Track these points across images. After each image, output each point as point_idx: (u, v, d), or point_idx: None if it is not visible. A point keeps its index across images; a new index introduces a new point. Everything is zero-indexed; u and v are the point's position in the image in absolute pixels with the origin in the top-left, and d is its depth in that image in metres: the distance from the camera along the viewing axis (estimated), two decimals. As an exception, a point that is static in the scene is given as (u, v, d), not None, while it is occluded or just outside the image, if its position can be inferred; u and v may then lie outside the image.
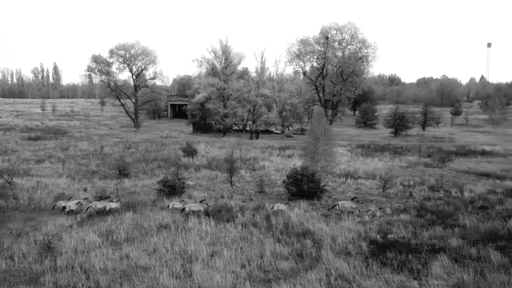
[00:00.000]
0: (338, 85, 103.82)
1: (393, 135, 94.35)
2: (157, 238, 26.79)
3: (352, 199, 34.78)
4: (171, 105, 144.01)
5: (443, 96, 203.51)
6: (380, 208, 33.55)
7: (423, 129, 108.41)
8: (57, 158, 58.64)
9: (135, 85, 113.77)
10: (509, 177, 44.25)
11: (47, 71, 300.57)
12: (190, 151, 59.31)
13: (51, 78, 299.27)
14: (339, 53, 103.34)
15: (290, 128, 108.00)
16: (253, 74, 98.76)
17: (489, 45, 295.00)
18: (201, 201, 33.37)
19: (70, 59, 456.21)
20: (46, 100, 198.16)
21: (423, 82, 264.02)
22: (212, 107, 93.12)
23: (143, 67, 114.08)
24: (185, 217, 31.24)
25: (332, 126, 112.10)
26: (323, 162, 43.00)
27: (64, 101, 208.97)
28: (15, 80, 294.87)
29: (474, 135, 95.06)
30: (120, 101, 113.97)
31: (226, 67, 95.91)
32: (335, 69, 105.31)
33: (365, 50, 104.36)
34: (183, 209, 32.45)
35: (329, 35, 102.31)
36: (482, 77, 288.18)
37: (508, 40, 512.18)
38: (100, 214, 32.99)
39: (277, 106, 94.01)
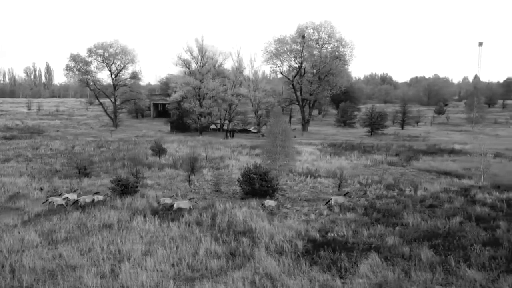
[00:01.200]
0: (315, 84, 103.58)
1: (369, 134, 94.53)
2: (96, 237, 26.43)
3: (344, 195, 35.76)
4: (154, 104, 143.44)
5: (431, 95, 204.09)
6: (329, 207, 33.39)
7: (402, 127, 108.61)
8: (25, 157, 58.07)
9: (114, 84, 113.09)
10: (468, 176, 44.21)
11: (40, 70, 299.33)
12: (158, 150, 58.96)
13: (43, 78, 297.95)
14: (316, 52, 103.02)
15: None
16: (230, 74, 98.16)
17: (480, 44, 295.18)
18: (189, 199, 33.80)
19: (63, 58, 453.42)
20: (34, 99, 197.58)
21: (415, 81, 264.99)
22: (188, 106, 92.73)
23: (122, 66, 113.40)
24: (173, 213, 31.59)
25: (310, 125, 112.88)
26: (281, 161, 42.76)
27: (53, 101, 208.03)
28: (7, 80, 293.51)
29: (450, 134, 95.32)
30: (99, 100, 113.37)
31: (202, 66, 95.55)
32: (312, 68, 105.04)
33: (342, 49, 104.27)
34: (172, 205, 32.61)
35: (305, 34, 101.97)
36: (475, 76, 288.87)
37: (501, 39, 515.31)
38: (87, 206, 33.60)
39: (252, 106, 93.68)
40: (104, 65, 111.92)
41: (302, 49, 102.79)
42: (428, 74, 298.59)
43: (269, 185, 36.51)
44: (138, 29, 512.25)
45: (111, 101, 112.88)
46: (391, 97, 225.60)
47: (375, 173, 47.20)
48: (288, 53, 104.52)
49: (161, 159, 56.39)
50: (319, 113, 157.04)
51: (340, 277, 20.91)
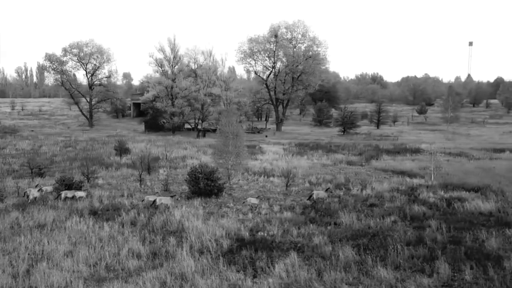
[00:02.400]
0: (288, 83, 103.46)
1: (342, 133, 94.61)
2: (25, 237, 26.04)
3: (326, 190, 35.84)
4: (134, 104, 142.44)
5: (416, 95, 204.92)
6: (270, 205, 33.25)
7: (377, 127, 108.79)
8: (-13, 158, 57.58)
9: (89, 84, 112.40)
10: (420, 175, 44.17)
11: (31, 70, 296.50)
12: (120, 150, 58.65)
13: (34, 78, 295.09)
14: (290, 52, 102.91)
15: (243, 126, 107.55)
16: (202, 73, 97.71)
17: (470, 43, 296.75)
18: (171, 196, 34.38)
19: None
20: (18, 99, 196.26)
21: (405, 81, 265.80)
22: (160, 105, 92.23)
23: (97, 65, 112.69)
24: (154, 209, 31.94)
25: (287, 125, 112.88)
26: (233, 161, 42.48)
27: (41, 100, 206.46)
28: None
29: (423, 133, 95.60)
30: (74, 100, 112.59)
31: (175, 66, 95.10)
32: (286, 67, 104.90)
33: (316, 48, 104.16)
34: (154, 201, 32.81)
35: (278, 34, 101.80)
36: (468, 75, 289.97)
37: (492, 39, 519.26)
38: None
39: (224, 105, 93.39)
40: (80, 64, 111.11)
41: (275, 48, 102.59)
42: (420, 74, 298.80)
43: (214, 185, 36.22)
44: (126, 29, 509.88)
45: (87, 100, 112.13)
46: (378, 97, 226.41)
47: (330, 173, 47.09)
48: (261, 52, 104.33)
49: (122, 159, 55.96)
50: (300, 113, 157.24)
51: (254, 277, 20.70)
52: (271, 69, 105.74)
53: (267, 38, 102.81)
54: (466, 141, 76.93)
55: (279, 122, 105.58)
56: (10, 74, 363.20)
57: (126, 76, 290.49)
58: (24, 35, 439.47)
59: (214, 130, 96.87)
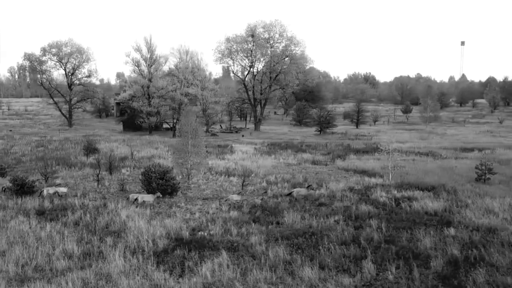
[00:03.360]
0: (265, 83, 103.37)
1: (318, 133, 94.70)
2: (-38, 238, 25.76)
3: (307, 187, 36.46)
4: (117, 103, 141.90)
5: (404, 94, 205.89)
6: (220, 204, 33.14)
7: (356, 126, 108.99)
8: (-44, 157, 57.10)
9: (68, 84, 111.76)
10: (380, 174, 44.13)
11: (24, 70, 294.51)
12: (88, 150, 58.35)
13: (28, 78, 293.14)
14: (267, 51, 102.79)
15: (222, 126, 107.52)
16: (178, 72, 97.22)
17: (462, 43, 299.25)
18: (154, 193, 34.85)
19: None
20: (9, 99, 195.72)
21: (398, 81, 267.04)
22: (137, 105, 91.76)
23: (77, 65, 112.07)
24: (137, 206, 32.46)
25: (267, 124, 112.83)
26: (192, 160, 42.30)
27: (31, 100, 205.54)
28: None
29: (400, 132, 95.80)
30: (53, 100, 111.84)
31: (151, 65, 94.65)
32: (263, 67, 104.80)
33: (293, 48, 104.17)
34: (136, 198, 33.62)
35: (255, 33, 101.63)
36: (463, 75, 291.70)
37: (486, 39, 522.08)
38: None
39: (200, 105, 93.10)
40: (59, 64, 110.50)
41: (253, 48, 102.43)
42: (413, 74, 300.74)
43: (168, 184, 36.01)
44: (120, 29, 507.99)
45: (66, 100, 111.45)
46: (367, 96, 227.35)
47: (291, 172, 46.97)
48: (239, 52, 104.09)
49: (88, 159, 55.58)
50: (284, 113, 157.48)
51: (180, 277, 20.56)
52: (249, 69, 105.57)
53: (244, 38, 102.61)
54: (439, 141, 77.13)
55: (257, 122, 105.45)
56: (4, 74, 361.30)
57: (120, 75, 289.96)
58: (22, 35, 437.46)
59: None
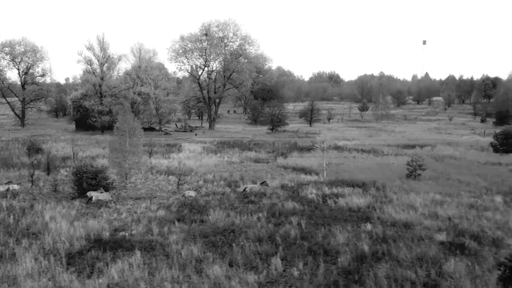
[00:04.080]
0: (218, 82, 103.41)
1: (271, 131, 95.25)
2: None
3: (261, 184, 36.65)
4: (74, 102, 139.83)
5: (363, 93, 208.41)
6: (152, 204, 33.07)
7: (310, 124, 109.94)
8: None
9: (22, 83, 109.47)
10: (316, 172, 44.68)
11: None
12: (29, 150, 57.41)
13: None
14: (222, 50, 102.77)
15: (178, 125, 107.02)
16: (131, 71, 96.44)
17: (424, 42, 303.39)
18: (109, 192, 35.11)
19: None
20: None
21: (361, 79, 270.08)
22: (88, 104, 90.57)
23: (31, 64, 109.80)
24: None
25: (222, 123, 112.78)
26: (130, 160, 41.98)
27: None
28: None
29: (350, 130, 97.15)
30: (6, 99, 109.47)
31: (104, 64, 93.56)
32: (218, 66, 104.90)
33: (248, 47, 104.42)
34: (91, 197, 33.26)
35: (209, 32, 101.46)
36: (426, 74, 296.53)
37: (448, 38, 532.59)
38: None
39: (153, 104, 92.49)
40: (12, 63, 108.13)
41: (207, 47, 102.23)
42: (377, 72, 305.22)
43: (99, 184, 35.66)
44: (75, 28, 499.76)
45: (20, 99, 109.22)
46: (329, 95, 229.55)
47: (232, 170, 47.15)
48: (194, 51, 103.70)
49: (30, 159, 54.56)
50: (243, 111, 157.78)
51: (88, 277, 20.44)
52: (203, 68, 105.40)
53: (198, 37, 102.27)
54: (386, 138, 78.55)
55: (211, 121, 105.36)
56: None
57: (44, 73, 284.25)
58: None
59: (147, 129, 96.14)
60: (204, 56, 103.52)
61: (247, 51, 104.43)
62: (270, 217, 28.95)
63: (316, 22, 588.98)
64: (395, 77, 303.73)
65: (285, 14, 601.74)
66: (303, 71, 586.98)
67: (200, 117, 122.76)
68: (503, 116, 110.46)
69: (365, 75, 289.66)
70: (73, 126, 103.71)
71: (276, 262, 21.17)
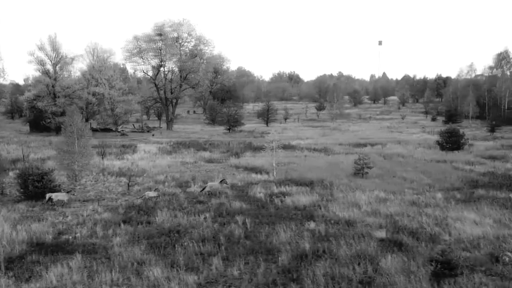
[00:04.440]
0: (174, 82, 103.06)
1: (227, 131, 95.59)
2: None
3: (220, 182, 36.78)
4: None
5: (322, 93, 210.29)
6: (100, 206, 32.89)
7: (267, 124, 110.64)
8: None
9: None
10: (266, 171, 45.14)
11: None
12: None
13: None
14: (177, 50, 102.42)
15: (135, 125, 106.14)
16: (85, 71, 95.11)
17: (380, 43, 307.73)
18: (68, 192, 35.57)
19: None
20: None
21: (320, 79, 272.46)
22: (41, 105, 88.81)
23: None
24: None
25: (181, 123, 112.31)
26: (80, 162, 41.52)
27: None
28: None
29: (305, 129, 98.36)
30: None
31: (56, 64, 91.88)
32: (173, 66, 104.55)
33: (203, 47, 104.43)
34: (50, 198, 33.35)
35: (163, 32, 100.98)
36: (384, 74, 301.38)
37: (404, 38, 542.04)
38: None
39: (108, 104, 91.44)
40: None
41: (161, 47, 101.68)
42: (336, 73, 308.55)
43: (45, 187, 35.21)
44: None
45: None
46: (289, 95, 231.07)
47: (184, 171, 47.21)
48: (148, 51, 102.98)
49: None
50: (203, 112, 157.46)
51: (26, 282, 20.24)
52: (159, 68, 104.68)
53: (152, 37, 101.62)
54: (339, 137, 79.79)
55: (169, 121, 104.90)
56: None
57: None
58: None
59: (104, 130, 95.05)
60: (159, 56, 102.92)
61: (203, 51, 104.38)
62: (216, 217, 29.19)
63: (277, 23, 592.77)
64: (353, 77, 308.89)
65: (247, 15, 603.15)
66: (264, 71, 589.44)
67: (159, 118, 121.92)
68: (452, 115, 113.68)
69: (325, 75, 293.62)
70: (27, 127, 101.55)
71: (217, 262, 21.42)
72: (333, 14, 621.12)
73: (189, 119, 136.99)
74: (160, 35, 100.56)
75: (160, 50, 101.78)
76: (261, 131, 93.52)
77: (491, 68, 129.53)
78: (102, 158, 54.17)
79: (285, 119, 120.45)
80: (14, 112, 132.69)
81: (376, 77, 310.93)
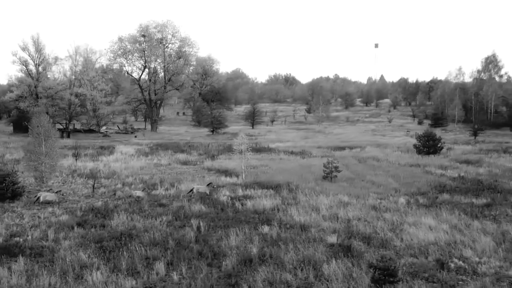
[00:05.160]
0: (158, 83, 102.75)
1: (211, 133, 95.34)
2: None
3: (207, 185, 36.64)
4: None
5: (314, 95, 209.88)
6: (59, 208, 32.52)
7: (252, 127, 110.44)
8: None
9: None
10: (236, 174, 44.92)
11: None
12: None
13: None
14: (161, 52, 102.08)
15: (121, 127, 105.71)
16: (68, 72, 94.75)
17: (376, 45, 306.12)
18: (56, 192, 35.64)
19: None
20: None
21: (316, 82, 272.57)
22: (23, 105, 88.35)
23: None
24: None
25: (168, 125, 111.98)
26: (46, 163, 41.21)
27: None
28: None
29: (289, 132, 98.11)
30: None
31: (39, 65, 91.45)
32: (158, 68, 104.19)
33: (187, 49, 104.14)
34: (38, 197, 33.89)
35: (147, 33, 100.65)
36: (381, 76, 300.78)
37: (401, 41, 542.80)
38: None
39: (90, 105, 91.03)
40: None
41: (146, 48, 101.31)
42: (332, 75, 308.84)
43: (7, 188, 34.82)
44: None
45: None
46: (282, 97, 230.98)
47: (155, 173, 46.96)
48: (133, 52, 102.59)
49: None
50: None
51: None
52: (143, 69, 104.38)
53: (137, 38, 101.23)
54: (320, 140, 79.64)
55: (153, 123, 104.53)
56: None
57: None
58: None
59: (87, 131, 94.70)
60: (144, 58, 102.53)
61: (187, 52, 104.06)
62: (173, 221, 28.91)
63: (275, 26, 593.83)
64: (349, 79, 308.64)
65: (247, 17, 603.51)
66: (262, 73, 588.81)
67: (145, 119, 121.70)
68: (438, 118, 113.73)
69: (321, 77, 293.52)
70: (11, 128, 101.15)
71: (160, 266, 21.13)
72: (330, 17, 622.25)
73: (177, 121, 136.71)
74: (144, 36, 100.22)
75: (144, 51, 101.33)
76: (247, 134, 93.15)
77: (479, 72, 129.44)
78: (76, 159, 53.82)
79: (272, 121, 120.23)
80: (1, 112, 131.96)
81: (373, 79, 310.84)
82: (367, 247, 23.97)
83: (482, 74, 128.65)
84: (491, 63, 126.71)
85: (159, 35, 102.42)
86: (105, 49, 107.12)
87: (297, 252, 22.90)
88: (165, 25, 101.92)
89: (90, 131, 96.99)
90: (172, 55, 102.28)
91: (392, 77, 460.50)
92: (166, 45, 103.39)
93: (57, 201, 34.05)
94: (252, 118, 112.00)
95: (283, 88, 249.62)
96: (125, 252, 23.05)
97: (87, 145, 70.68)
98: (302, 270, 20.74)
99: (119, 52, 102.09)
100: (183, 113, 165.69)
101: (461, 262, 21.62)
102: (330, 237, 25.00)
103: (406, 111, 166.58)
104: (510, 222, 28.51)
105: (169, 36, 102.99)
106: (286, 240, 24.68)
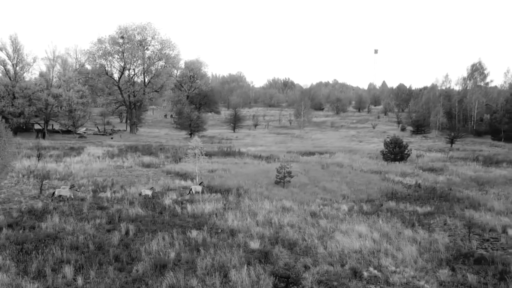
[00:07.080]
0: (137, 85, 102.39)
1: (189, 136, 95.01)
2: None
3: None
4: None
5: (302, 100, 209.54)
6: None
7: (234, 130, 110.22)
8: None
9: None
10: (192, 177, 44.62)
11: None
12: None
13: None
14: (140, 54, 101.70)
15: (99, 128, 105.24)
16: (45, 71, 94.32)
17: (376, 51, 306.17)
18: (70, 187, 36.19)
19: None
20: None
21: (315, 86, 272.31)
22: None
23: None
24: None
25: (151, 127, 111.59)
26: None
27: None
28: None
29: (268, 136, 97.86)
30: None
31: (17, 65, 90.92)
32: (137, 70, 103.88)
33: (168, 52, 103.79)
34: (53, 193, 34.99)
35: (127, 35, 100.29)
36: (383, 82, 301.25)
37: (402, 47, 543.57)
38: None
39: (67, 106, 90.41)
40: None
41: (124, 50, 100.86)
42: (331, 80, 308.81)
43: (-50, 188, 34.48)
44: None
45: None
46: (276, 101, 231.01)
47: (111, 175, 46.55)
48: (113, 54, 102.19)
49: None
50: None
51: None
52: (122, 71, 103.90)
53: (116, 40, 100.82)
54: (295, 145, 79.43)
55: (132, 124, 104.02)
56: None
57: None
58: None
59: (65, 132, 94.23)
60: (123, 59, 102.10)
61: (167, 55, 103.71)
62: (106, 224, 28.54)
63: (275, 31, 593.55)
64: (348, 84, 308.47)
65: (246, 20, 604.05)
66: (261, 78, 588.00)
67: (126, 121, 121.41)
68: (420, 125, 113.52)
69: (321, 82, 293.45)
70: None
71: (68, 270, 20.76)
72: (331, 23, 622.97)
73: (162, 123, 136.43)
74: (122, 37, 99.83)
75: (123, 53, 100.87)
76: (224, 137, 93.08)
77: (464, 79, 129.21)
78: (38, 160, 53.40)
79: (255, 125, 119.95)
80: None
81: (374, 85, 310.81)
82: (289, 253, 23.65)
83: (468, 81, 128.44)
84: (477, 70, 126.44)
85: (139, 37, 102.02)
86: (83, 50, 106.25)
87: (212, 257, 22.56)
88: (145, 27, 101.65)
89: (68, 132, 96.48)
90: (152, 57, 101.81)
91: (392, 83, 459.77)
92: (146, 47, 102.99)
93: (70, 196, 35.00)
94: (233, 123, 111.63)
95: (277, 93, 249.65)
96: (39, 255, 22.64)
97: (58, 146, 70.22)
98: (211, 276, 20.42)
99: (99, 53, 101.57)
100: (171, 116, 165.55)
101: (375, 271, 21.34)
102: (253, 243, 24.63)
103: (394, 118, 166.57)
104: (444, 230, 28.28)
105: (149, 38, 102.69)
106: (209, 245, 24.33)
